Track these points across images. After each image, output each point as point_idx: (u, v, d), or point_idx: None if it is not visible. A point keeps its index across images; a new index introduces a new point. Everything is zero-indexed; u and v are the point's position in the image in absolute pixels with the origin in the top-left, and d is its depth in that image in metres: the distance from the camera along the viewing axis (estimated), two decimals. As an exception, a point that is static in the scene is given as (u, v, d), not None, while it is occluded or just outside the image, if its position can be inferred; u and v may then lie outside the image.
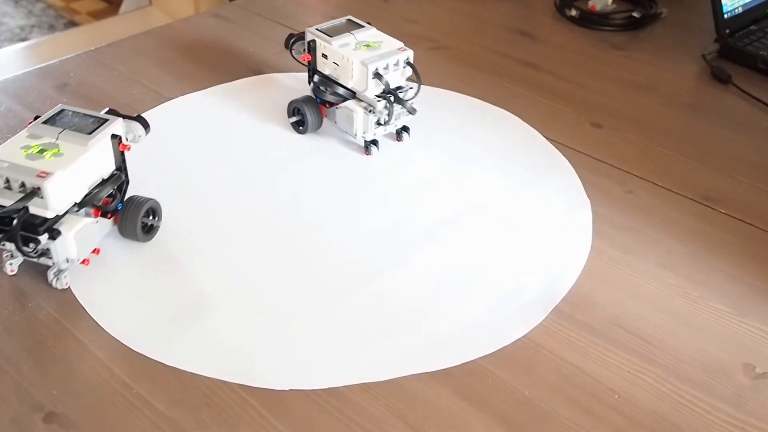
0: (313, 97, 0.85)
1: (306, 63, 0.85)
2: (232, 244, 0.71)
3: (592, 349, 0.63)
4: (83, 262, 0.65)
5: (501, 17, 1.16)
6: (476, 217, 0.76)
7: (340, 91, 0.82)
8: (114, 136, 0.66)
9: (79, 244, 0.64)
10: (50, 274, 0.65)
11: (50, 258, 0.64)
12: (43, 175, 0.59)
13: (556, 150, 0.86)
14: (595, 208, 0.78)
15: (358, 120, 0.81)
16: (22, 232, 0.61)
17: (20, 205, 0.59)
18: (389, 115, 0.80)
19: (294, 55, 0.86)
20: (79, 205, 0.64)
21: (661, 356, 0.62)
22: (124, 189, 0.69)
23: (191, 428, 0.55)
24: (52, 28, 2.72)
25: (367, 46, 0.81)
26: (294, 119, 0.85)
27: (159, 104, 0.91)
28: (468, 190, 0.79)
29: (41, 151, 0.62)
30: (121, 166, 0.68)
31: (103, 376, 0.58)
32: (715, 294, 0.68)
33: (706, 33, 1.08)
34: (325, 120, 0.86)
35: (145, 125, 0.69)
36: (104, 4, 2.86)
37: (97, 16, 2.79)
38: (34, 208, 0.60)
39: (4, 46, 2.56)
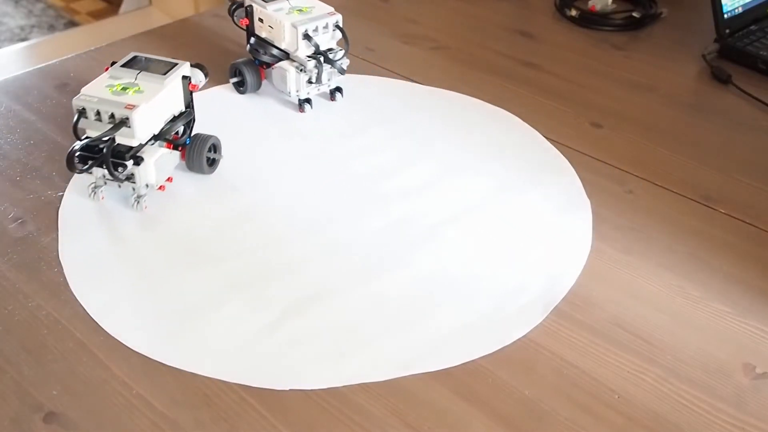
0: (253, 59, 0.91)
1: (244, 27, 0.91)
2: (232, 244, 0.71)
3: (592, 349, 0.63)
4: (160, 188, 0.75)
5: (501, 17, 1.16)
6: (476, 217, 0.76)
7: (275, 52, 0.88)
8: (185, 77, 0.75)
9: (158, 170, 0.73)
10: (132, 199, 0.73)
11: (133, 182, 0.72)
12: (131, 106, 0.68)
13: (556, 150, 0.86)
14: (595, 208, 0.78)
15: (291, 79, 0.87)
16: (111, 159, 0.69)
17: (111, 134, 0.68)
18: (319, 74, 0.87)
19: (235, 20, 0.91)
20: (155, 138, 0.72)
21: (661, 356, 0.62)
22: (191, 125, 0.77)
23: (191, 428, 0.55)
24: (52, 28, 2.72)
25: (300, 11, 0.87)
26: (235, 80, 0.92)
27: (159, 104, 0.90)
28: (468, 190, 0.79)
29: (124, 89, 0.71)
30: (190, 105, 0.76)
31: (103, 376, 0.58)
32: (715, 294, 0.68)
33: (706, 33, 1.08)
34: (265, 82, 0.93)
35: (206, 73, 0.79)
36: (104, 4, 2.86)
37: (97, 16, 2.79)
38: (121, 137, 0.69)
39: (4, 46, 2.56)
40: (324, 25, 0.86)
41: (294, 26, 0.85)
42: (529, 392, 0.59)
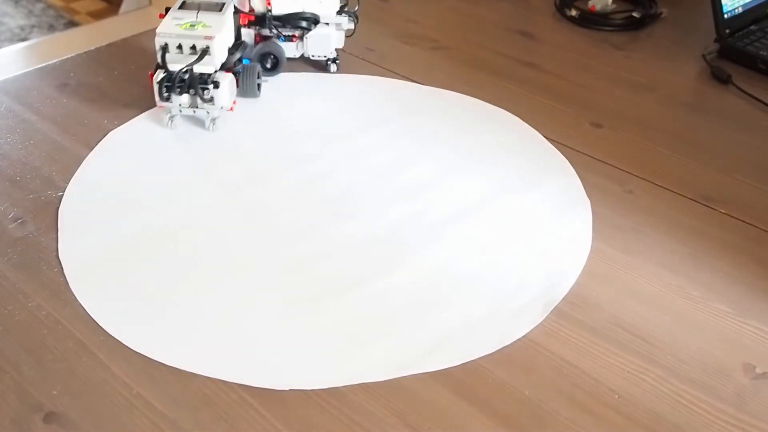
0: (269, 40, 0.95)
1: (246, 23, 0.93)
2: (231, 244, 0.71)
3: (592, 349, 0.63)
4: (231, 109, 0.86)
5: (501, 17, 1.16)
6: (476, 217, 0.76)
7: (303, 23, 0.93)
8: (236, 10, 0.87)
9: (230, 93, 0.85)
10: (207, 121, 0.85)
11: (212, 105, 0.83)
12: (209, 37, 0.80)
13: (556, 150, 0.86)
14: (595, 208, 0.78)
15: (332, 39, 0.95)
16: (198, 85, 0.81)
17: (197, 62, 0.80)
18: (355, 26, 0.96)
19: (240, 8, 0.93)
20: (223, 65, 0.84)
21: (661, 356, 0.62)
22: (244, 49, 0.89)
23: (191, 428, 0.55)
24: (52, 28, 2.72)
25: None
26: (270, 64, 0.95)
27: (159, 104, 0.90)
28: (468, 190, 0.79)
29: (192, 26, 0.81)
30: (239, 35, 0.89)
31: (103, 376, 0.58)
32: (715, 294, 0.68)
33: (706, 33, 1.08)
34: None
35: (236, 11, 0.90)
36: (104, 4, 2.86)
37: (97, 16, 2.79)
38: (200, 66, 0.81)
39: (4, 46, 2.56)
40: None
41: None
42: (529, 392, 0.59)
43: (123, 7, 2.72)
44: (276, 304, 0.65)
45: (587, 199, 0.79)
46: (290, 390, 0.58)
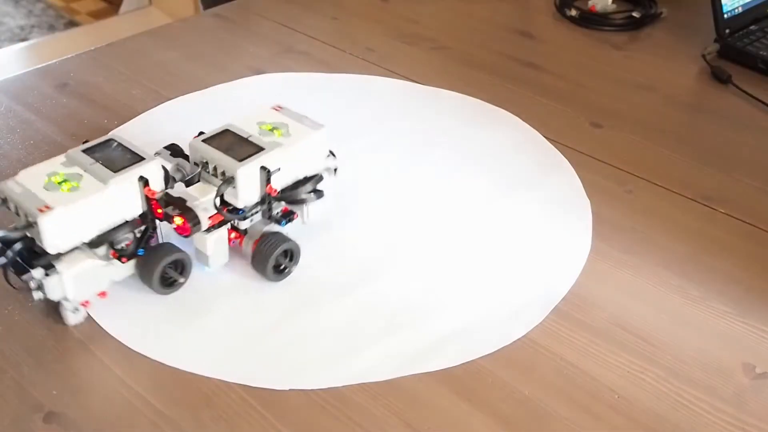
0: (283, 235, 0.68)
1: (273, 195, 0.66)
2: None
3: (592, 349, 0.62)
4: (83, 303, 0.62)
5: (501, 17, 1.16)
6: (476, 217, 0.76)
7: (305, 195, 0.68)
8: (141, 179, 0.60)
9: (78, 284, 0.60)
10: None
11: (43, 293, 0.59)
12: (44, 209, 0.56)
13: (556, 150, 0.86)
14: (594, 208, 0.78)
15: (329, 189, 0.71)
16: (16, 261, 0.59)
17: (17, 235, 0.58)
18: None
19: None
20: (93, 245, 0.60)
21: (661, 356, 0.62)
22: (146, 235, 0.63)
23: (191, 428, 0.55)
24: (52, 28, 2.72)
25: (275, 129, 0.68)
26: (288, 266, 0.68)
27: (159, 104, 0.91)
28: (468, 189, 0.79)
29: (63, 182, 0.59)
30: (146, 212, 0.62)
31: (103, 376, 0.58)
32: (715, 294, 0.68)
33: (706, 33, 1.08)
34: None
35: (172, 177, 0.64)
36: (104, 4, 2.87)
37: (97, 16, 2.79)
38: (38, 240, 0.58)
39: (4, 46, 2.56)
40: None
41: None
42: (529, 392, 0.59)
43: (123, 7, 2.72)
44: (275, 304, 0.65)
45: (587, 199, 0.79)
46: (290, 390, 0.58)
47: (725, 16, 1.07)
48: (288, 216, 0.68)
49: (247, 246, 0.67)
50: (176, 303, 0.65)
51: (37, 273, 0.58)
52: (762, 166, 0.85)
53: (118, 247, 0.61)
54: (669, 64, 1.05)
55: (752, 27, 1.09)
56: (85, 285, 0.61)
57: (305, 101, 0.92)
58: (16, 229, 0.58)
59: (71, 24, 2.75)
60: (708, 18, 1.07)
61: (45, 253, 0.58)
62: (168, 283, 0.65)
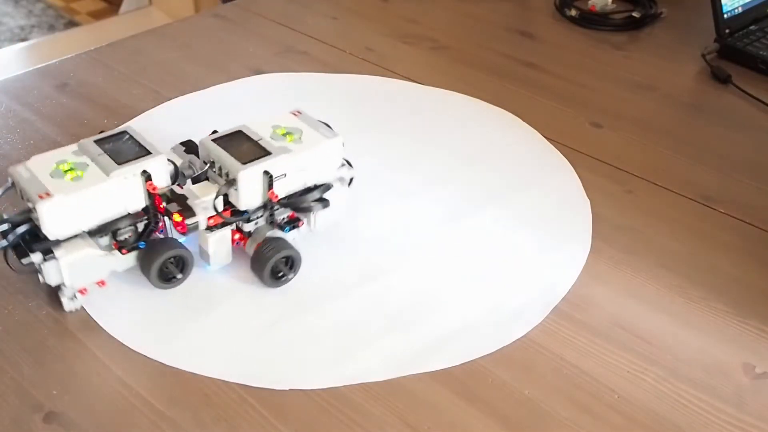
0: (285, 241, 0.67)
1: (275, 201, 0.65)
2: (232, 244, 0.71)
3: (592, 349, 0.63)
4: (81, 291, 0.62)
5: (501, 17, 1.16)
6: (476, 217, 0.76)
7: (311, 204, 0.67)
8: (144, 173, 0.60)
9: (75, 271, 0.61)
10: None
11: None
12: (43, 196, 0.57)
13: (556, 150, 0.86)
14: (594, 208, 0.78)
15: (342, 199, 0.70)
16: (19, 243, 0.59)
17: (22, 218, 0.59)
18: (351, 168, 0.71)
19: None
20: (93, 234, 0.60)
21: (661, 356, 0.62)
22: (148, 229, 0.63)
23: (191, 428, 0.55)
24: (52, 28, 2.72)
25: (288, 134, 0.66)
26: (286, 273, 0.67)
27: (159, 104, 0.91)
28: (468, 189, 0.79)
29: (69, 170, 0.59)
30: (148, 206, 0.62)
31: (103, 376, 0.58)
32: (715, 294, 0.68)
33: (706, 33, 1.08)
34: None
35: (182, 174, 0.64)
36: (104, 4, 2.87)
37: (97, 16, 2.79)
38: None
39: (4, 46, 2.56)
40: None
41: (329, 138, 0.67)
42: (529, 392, 0.59)
43: (123, 7, 2.72)
44: (275, 304, 0.65)
45: (587, 199, 0.79)
46: (290, 390, 0.58)
47: (725, 16, 1.07)
48: (292, 223, 0.68)
49: (250, 248, 0.67)
50: (177, 303, 0.65)
51: (36, 257, 0.59)
52: (762, 166, 0.85)
53: (121, 238, 0.61)
54: (669, 64, 1.05)
55: (752, 27, 1.09)
56: (83, 273, 0.62)
57: (305, 101, 0.92)
58: (23, 213, 0.59)
59: (71, 24, 2.75)
60: (708, 18, 1.07)
61: (46, 239, 0.59)
62: (167, 278, 0.65)
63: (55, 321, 0.63)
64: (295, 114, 0.69)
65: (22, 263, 0.59)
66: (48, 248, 0.59)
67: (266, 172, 0.63)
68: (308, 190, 0.67)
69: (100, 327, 0.62)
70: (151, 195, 0.61)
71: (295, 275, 0.67)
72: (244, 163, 0.62)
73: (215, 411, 0.56)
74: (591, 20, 1.14)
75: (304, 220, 0.69)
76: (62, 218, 0.58)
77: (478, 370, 0.60)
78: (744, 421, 0.57)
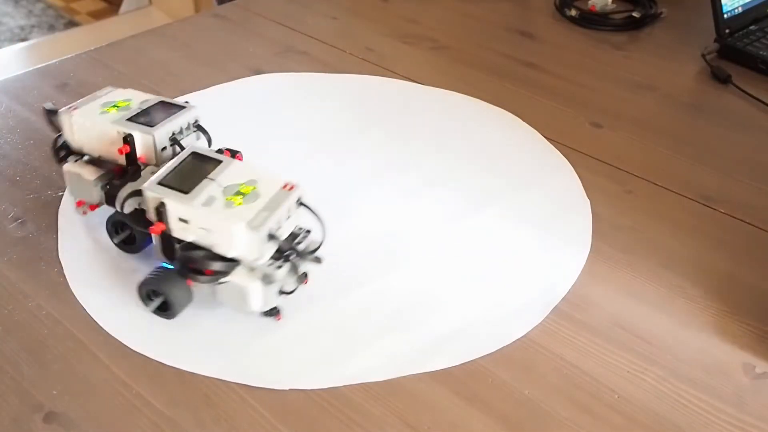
0: (168, 268, 0.61)
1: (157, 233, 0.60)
2: (232, 244, 0.71)
3: (592, 349, 0.63)
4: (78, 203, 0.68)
5: (501, 17, 1.16)
6: (476, 217, 0.76)
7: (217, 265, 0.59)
8: (129, 137, 0.65)
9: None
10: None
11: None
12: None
13: (556, 150, 0.86)
14: (594, 208, 0.78)
15: (257, 295, 0.59)
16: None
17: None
18: (298, 279, 0.62)
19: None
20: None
21: (661, 356, 0.62)
22: (115, 184, 0.66)
23: (191, 428, 0.55)
24: (52, 28, 2.72)
25: (240, 193, 0.59)
26: (155, 303, 0.62)
27: (159, 104, 0.90)
28: (467, 189, 0.79)
29: (113, 107, 0.69)
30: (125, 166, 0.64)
31: (103, 376, 0.58)
32: (715, 294, 0.68)
33: (706, 33, 1.08)
34: None
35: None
36: (104, 4, 2.87)
37: (97, 16, 2.80)
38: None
39: (4, 46, 2.56)
40: (287, 214, 0.60)
41: (253, 229, 0.56)
42: (529, 392, 0.59)
43: (123, 7, 2.72)
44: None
45: (587, 199, 0.79)
46: (290, 390, 0.58)
47: (725, 16, 1.07)
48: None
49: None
50: (176, 303, 0.65)
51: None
52: (762, 166, 0.85)
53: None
54: (669, 64, 1.05)
55: (752, 27, 1.09)
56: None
57: (305, 101, 0.92)
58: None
59: (71, 24, 2.75)
60: (708, 18, 1.07)
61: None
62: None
63: (55, 321, 0.63)
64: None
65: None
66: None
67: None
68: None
69: (101, 327, 0.62)
70: (128, 156, 0.65)
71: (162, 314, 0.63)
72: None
73: (215, 411, 0.56)
74: (591, 20, 1.14)
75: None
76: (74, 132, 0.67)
77: (478, 370, 0.60)
78: (744, 421, 0.57)
